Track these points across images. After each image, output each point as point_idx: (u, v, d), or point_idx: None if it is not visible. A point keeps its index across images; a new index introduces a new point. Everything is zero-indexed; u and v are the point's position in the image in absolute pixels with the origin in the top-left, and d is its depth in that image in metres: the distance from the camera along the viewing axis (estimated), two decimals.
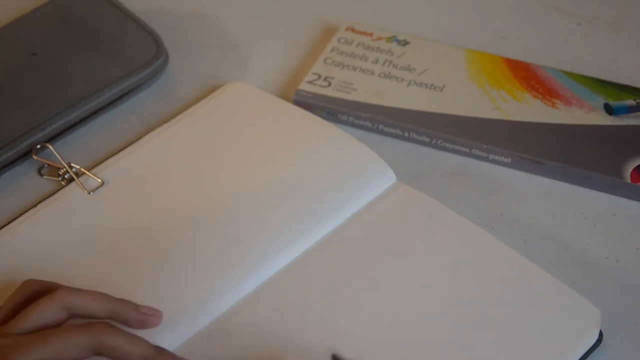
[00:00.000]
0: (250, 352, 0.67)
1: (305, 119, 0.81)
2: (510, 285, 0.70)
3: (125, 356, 0.63)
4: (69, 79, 0.84)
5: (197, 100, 0.84)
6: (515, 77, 0.85)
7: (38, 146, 0.81)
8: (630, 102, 0.83)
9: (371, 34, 0.89)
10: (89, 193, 0.77)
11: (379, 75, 0.85)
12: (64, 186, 0.78)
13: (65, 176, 0.79)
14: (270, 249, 0.72)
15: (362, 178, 0.76)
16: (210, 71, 0.88)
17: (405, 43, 0.88)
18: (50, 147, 0.81)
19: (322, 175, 0.76)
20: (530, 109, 0.83)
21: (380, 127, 0.83)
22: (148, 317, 0.67)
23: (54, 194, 0.78)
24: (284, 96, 0.84)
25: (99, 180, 0.77)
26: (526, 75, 0.85)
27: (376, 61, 0.87)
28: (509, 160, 0.80)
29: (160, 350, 0.65)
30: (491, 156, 0.81)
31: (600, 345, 0.69)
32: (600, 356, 0.69)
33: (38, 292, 0.66)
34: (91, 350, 0.62)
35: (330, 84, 0.85)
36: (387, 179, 0.77)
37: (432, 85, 0.84)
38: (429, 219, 0.74)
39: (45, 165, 0.81)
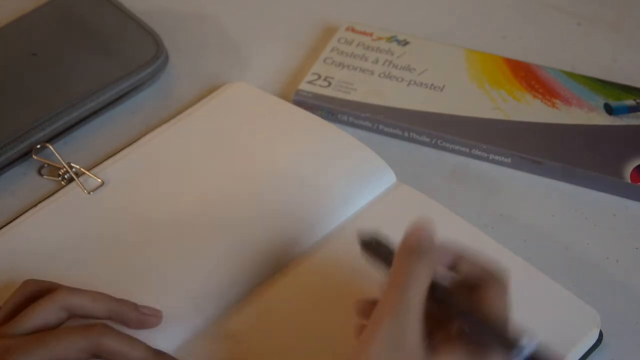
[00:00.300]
0: (250, 353, 0.67)
1: (305, 119, 0.81)
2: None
3: (124, 358, 0.63)
4: (69, 79, 0.84)
5: (197, 100, 0.84)
6: (515, 77, 0.85)
7: (38, 146, 0.81)
8: (630, 102, 0.83)
9: (371, 34, 0.89)
10: (89, 193, 0.77)
11: (379, 75, 0.85)
12: (64, 186, 0.78)
13: (65, 176, 0.79)
14: (270, 250, 0.72)
15: (362, 178, 0.76)
16: (210, 71, 0.88)
17: (405, 43, 0.88)
18: (50, 147, 0.81)
19: (322, 175, 0.76)
20: (530, 109, 0.83)
21: (380, 127, 0.83)
22: (148, 317, 0.67)
23: (54, 194, 0.78)
24: (284, 96, 0.84)
25: (99, 180, 0.77)
26: (526, 75, 0.85)
27: (376, 61, 0.87)
28: (509, 160, 0.80)
29: (159, 353, 0.65)
30: (491, 156, 0.81)
31: (600, 345, 0.69)
32: (600, 356, 0.69)
33: (38, 292, 0.66)
34: (90, 352, 0.62)
35: (330, 84, 0.85)
36: (387, 179, 0.77)
37: (432, 85, 0.84)
38: None
39: (45, 165, 0.81)
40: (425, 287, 0.56)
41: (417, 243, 0.58)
